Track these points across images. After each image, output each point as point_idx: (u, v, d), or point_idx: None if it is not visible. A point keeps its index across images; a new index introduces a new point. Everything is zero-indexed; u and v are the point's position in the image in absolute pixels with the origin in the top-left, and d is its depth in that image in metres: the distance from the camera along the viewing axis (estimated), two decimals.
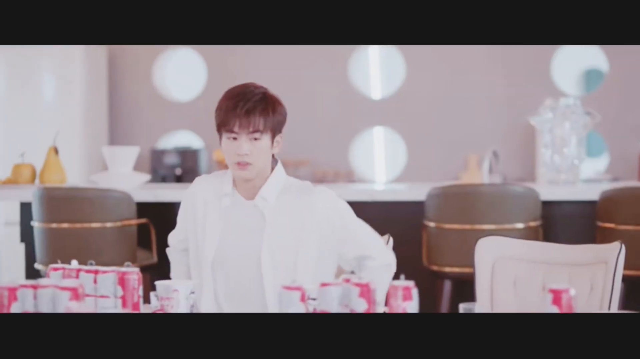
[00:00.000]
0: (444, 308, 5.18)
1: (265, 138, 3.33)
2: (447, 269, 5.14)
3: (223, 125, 3.33)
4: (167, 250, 3.64)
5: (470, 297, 3.67)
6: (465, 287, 5.06)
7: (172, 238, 3.61)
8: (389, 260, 3.46)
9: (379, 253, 3.44)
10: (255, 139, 3.32)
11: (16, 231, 5.74)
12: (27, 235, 5.51)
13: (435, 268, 5.18)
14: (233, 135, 3.32)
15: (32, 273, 5.41)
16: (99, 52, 8.19)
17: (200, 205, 3.46)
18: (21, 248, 5.66)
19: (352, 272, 3.49)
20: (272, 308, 3.30)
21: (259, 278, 3.36)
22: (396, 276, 3.40)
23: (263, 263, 3.34)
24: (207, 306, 3.39)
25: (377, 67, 8.55)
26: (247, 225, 3.39)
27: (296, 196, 3.40)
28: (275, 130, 3.36)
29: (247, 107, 3.29)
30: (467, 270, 4.96)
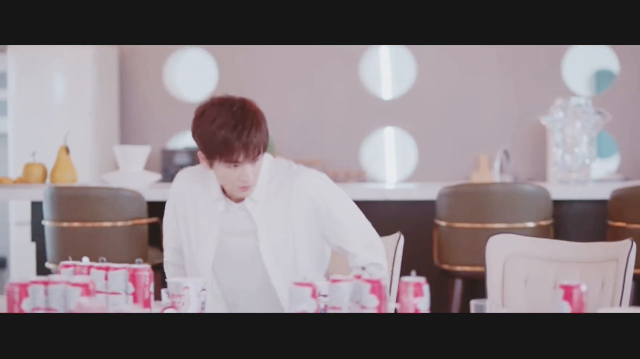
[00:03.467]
0: (455, 307, 5.17)
1: (263, 155, 3.28)
2: (458, 268, 5.13)
3: (223, 155, 3.18)
4: (165, 262, 3.54)
5: (482, 296, 3.66)
6: (476, 286, 5.05)
7: (169, 241, 3.51)
8: (374, 258, 3.32)
9: (362, 251, 3.32)
10: (256, 160, 3.24)
11: (27, 230, 5.75)
12: (38, 234, 5.51)
13: (446, 266, 5.18)
14: (234, 163, 3.21)
15: (43, 272, 5.41)
16: (109, 52, 8.20)
17: (189, 206, 3.39)
18: (32, 247, 5.66)
19: (364, 268, 3.48)
20: (285, 300, 3.26)
21: (264, 274, 3.34)
22: (407, 274, 3.40)
23: (265, 260, 3.31)
24: (211, 309, 3.32)
25: (387, 67, 8.55)
26: (240, 228, 3.34)
27: (282, 183, 3.32)
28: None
29: (250, 136, 3.16)
30: (478, 268, 4.95)
